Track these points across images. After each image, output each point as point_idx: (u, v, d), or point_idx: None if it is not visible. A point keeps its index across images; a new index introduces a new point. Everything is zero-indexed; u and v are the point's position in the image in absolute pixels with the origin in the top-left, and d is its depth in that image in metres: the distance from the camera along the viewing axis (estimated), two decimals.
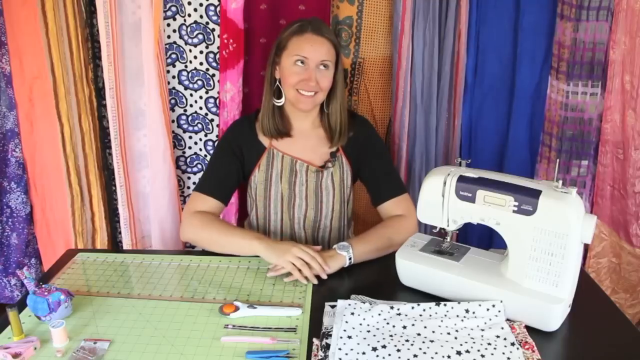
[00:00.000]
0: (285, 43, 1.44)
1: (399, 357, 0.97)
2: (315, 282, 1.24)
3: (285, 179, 1.51)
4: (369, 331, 1.04)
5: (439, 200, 1.17)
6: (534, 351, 1.00)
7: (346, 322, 1.06)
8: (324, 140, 1.54)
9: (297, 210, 1.53)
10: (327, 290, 1.23)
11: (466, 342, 1.01)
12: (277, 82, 1.50)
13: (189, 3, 1.77)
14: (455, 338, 1.03)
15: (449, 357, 0.97)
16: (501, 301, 1.10)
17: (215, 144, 1.92)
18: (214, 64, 1.84)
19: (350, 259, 1.30)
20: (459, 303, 1.11)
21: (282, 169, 1.51)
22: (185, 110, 1.92)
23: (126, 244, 1.92)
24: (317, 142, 1.53)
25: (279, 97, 1.50)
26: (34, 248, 2.02)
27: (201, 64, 1.85)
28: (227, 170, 1.51)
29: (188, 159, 1.99)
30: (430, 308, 1.11)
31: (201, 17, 1.79)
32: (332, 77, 1.47)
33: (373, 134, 1.58)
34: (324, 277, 1.26)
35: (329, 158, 1.52)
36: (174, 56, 1.85)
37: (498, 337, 1.03)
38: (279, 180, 1.51)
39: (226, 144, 1.53)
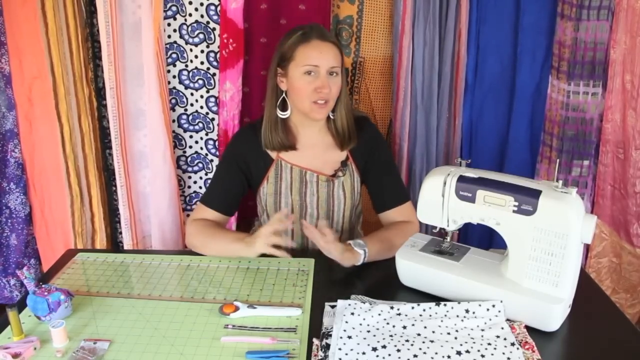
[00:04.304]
0: (292, 53, 1.38)
1: (399, 357, 0.97)
2: (292, 244, 1.31)
3: (296, 190, 1.48)
4: (369, 331, 1.04)
5: (439, 200, 1.17)
6: (534, 351, 1.00)
7: (346, 322, 1.06)
8: (332, 147, 1.49)
9: (309, 219, 1.51)
10: (327, 290, 1.22)
11: (466, 342, 1.01)
12: (284, 94, 1.44)
13: (190, 2, 1.77)
14: (455, 338, 1.03)
15: (449, 357, 0.97)
16: (501, 301, 1.09)
17: (216, 143, 1.92)
18: (215, 64, 1.84)
19: (364, 257, 1.29)
20: (459, 303, 1.11)
21: (292, 180, 1.48)
22: (186, 110, 1.92)
23: (127, 244, 1.92)
24: (325, 150, 1.49)
25: (284, 109, 1.45)
26: (34, 249, 2.01)
27: (202, 63, 1.85)
28: (232, 184, 1.49)
29: (189, 159, 1.99)
30: (430, 308, 1.11)
31: (202, 16, 1.79)
32: (341, 83, 1.44)
33: (379, 137, 1.54)
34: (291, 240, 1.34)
35: (339, 167, 1.49)
36: (174, 56, 1.85)
37: (498, 337, 1.03)
38: (289, 192, 1.48)
39: (231, 157, 1.50)
